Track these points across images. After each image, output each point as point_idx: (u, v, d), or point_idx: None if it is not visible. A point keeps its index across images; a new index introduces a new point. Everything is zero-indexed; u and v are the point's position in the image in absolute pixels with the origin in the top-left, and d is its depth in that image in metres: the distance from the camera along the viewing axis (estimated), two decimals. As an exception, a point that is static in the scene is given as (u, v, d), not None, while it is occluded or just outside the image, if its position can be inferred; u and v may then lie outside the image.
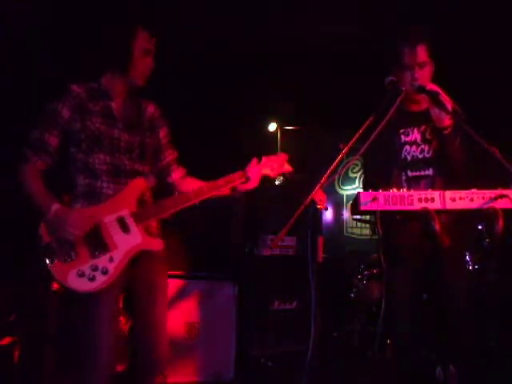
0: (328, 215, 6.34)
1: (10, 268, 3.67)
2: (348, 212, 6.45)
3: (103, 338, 2.19)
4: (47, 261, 2.16)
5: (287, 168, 2.64)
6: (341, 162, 2.29)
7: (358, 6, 4.30)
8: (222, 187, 2.46)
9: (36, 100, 2.53)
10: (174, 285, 3.78)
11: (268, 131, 5.94)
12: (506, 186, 1.99)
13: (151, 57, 2.38)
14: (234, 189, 2.51)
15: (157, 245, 2.35)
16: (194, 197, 2.40)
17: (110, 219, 2.26)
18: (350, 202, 5.90)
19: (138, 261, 2.31)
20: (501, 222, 1.91)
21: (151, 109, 2.54)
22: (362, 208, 1.98)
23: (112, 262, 2.21)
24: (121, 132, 2.38)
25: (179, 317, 3.74)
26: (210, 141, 4.89)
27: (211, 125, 5.06)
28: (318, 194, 2.08)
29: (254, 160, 2.54)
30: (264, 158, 2.59)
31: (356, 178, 6.37)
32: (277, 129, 6.00)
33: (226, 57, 4.75)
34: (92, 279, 2.16)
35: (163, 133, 2.56)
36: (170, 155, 2.58)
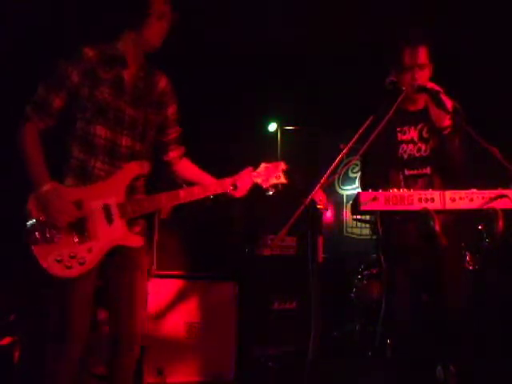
0: (328, 215, 6.33)
1: (9, 268, 3.67)
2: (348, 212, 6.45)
3: (75, 323, 2.19)
4: (32, 238, 2.14)
5: (282, 180, 2.51)
6: (341, 161, 2.29)
7: (358, 7, 4.29)
8: (211, 193, 2.42)
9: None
10: (174, 285, 3.79)
11: (268, 131, 5.94)
12: (506, 185, 1.99)
13: (166, 22, 2.31)
14: (222, 194, 2.47)
15: (136, 241, 2.30)
16: (184, 198, 2.37)
17: (96, 206, 2.21)
18: (350, 202, 5.91)
19: (117, 251, 2.27)
20: (501, 222, 1.91)
21: (163, 83, 2.46)
22: (362, 208, 1.98)
23: (90, 253, 2.17)
24: (127, 105, 2.31)
25: (179, 317, 3.74)
26: (210, 141, 4.89)
27: (211, 125, 5.06)
28: (318, 194, 2.09)
29: (248, 169, 2.48)
30: (262, 165, 2.52)
31: (356, 177, 6.36)
32: (277, 129, 6.00)
33: (226, 57, 4.75)
34: (69, 268, 2.13)
35: (172, 110, 2.50)
36: (173, 133, 2.53)
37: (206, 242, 4.03)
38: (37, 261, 2.14)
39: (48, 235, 2.14)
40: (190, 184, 2.47)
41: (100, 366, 3.04)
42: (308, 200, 2.08)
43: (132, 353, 2.31)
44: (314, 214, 2.09)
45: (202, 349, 3.75)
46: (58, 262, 2.13)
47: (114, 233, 2.22)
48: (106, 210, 2.22)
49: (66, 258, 2.14)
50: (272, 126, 5.97)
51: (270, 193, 2.50)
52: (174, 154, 2.54)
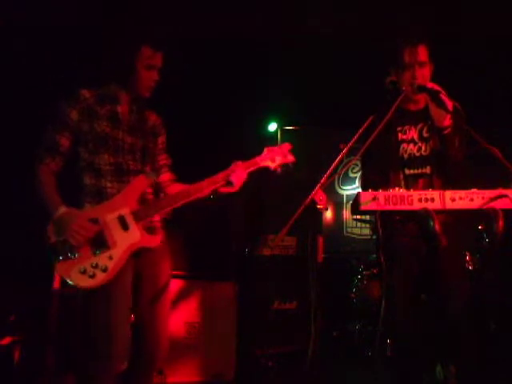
0: (328, 215, 6.34)
1: (9, 268, 3.67)
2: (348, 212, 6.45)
3: (117, 327, 2.29)
4: (53, 259, 2.27)
5: (290, 158, 2.67)
6: (341, 161, 2.29)
7: (357, 6, 4.30)
8: (204, 188, 2.52)
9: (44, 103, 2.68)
10: (174, 285, 3.78)
11: (268, 131, 5.95)
12: (506, 185, 1.99)
13: (155, 71, 2.47)
14: (215, 191, 2.57)
15: (155, 241, 2.45)
16: (183, 198, 2.49)
17: (111, 218, 2.36)
18: (350, 202, 5.91)
19: (142, 255, 2.42)
20: (501, 222, 1.91)
21: (153, 117, 2.66)
22: (362, 208, 1.98)
23: (111, 260, 2.30)
24: (125, 134, 2.50)
25: (179, 317, 3.74)
26: (210, 141, 4.89)
27: (211, 125, 5.07)
28: (318, 194, 2.08)
29: (237, 163, 2.57)
30: (266, 150, 2.65)
31: (356, 177, 6.36)
32: (277, 129, 6.00)
33: (227, 57, 4.75)
34: (92, 276, 2.26)
35: (162, 139, 2.68)
36: (163, 160, 2.69)
37: (206, 242, 4.03)
38: (63, 277, 2.29)
39: (67, 253, 2.28)
40: None
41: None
42: (308, 200, 2.08)
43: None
44: (314, 213, 2.09)
45: (201, 349, 3.75)
46: (82, 273, 2.26)
47: (131, 237, 2.37)
48: (121, 219, 2.37)
49: (89, 268, 2.27)
50: (272, 126, 5.98)
51: (279, 171, 2.63)
52: (165, 177, 2.67)
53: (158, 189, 2.65)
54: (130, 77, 2.46)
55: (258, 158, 2.63)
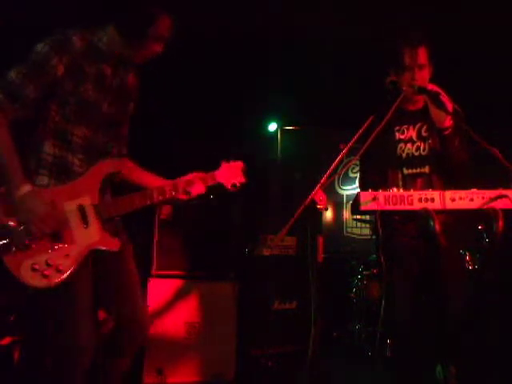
0: (328, 215, 6.34)
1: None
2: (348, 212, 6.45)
3: (83, 331, 2.09)
4: (2, 248, 1.95)
5: (241, 179, 2.50)
6: (341, 161, 2.29)
7: (358, 7, 4.30)
8: (166, 193, 2.30)
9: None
10: (174, 285, 3.78)
11: (268, 131, 5.95)
12: (506, 185, 1.99)
13: (162, 44, 2.23)
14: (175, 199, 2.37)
15: (114, 245, 2.16)
16: (157, 197, 2.27)
17: (71, 207, 2.06)
18: (350, 202, 5.90)
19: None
20: (501, 222, 1.91)
21: (131, 78, 2.34)
22: (362, 208, 1.98)
23: (67, 259, 2.02)
24: (108, 104, 2.20)
25: (179, 317, 3.74)
26: (210, 141, 4.89)
27: (211, 125, 5.07)
28: (318, 194, 2.08)
29: (195, 174, 2.41)
30: (223, 165, 2.49)
31: (356, 177, 6.35)
32: (277, 129, 6.01)
33: (227, 57, 4.75)
34: (46, 276, 1.97)
35: (132, 106, 2.38)
36: (127, 129, 2.41)
37: (206, 242, 4.03)
38: (10, 271, 1.96)
39: (21, 242, 1.96)
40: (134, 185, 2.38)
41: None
42: (308, 200, 2.08)
43: (138, 339, 2.30)
44: (314, 213, 2.09)
45: (201, 349, 3.75)
46: (34, 270, 1.96)
47: (91, 236, 2.09)
48: (82, 211, 2.08)
49: (43, 266, 1.97)
50: (272, 126, 5.98)
51: (230, 189, 2.49)
52: (125, 151, 2.40)
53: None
54: (135, 38, 2.15)
55: (216, 173, 2.47)
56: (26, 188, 1.96)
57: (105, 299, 2.30)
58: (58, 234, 2.03)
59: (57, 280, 2.00)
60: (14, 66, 2.02)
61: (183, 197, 2.38)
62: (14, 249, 1.95)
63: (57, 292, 2.04)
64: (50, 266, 1.98)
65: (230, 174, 2.49)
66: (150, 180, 2.39)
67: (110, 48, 2.18)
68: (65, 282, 2.03)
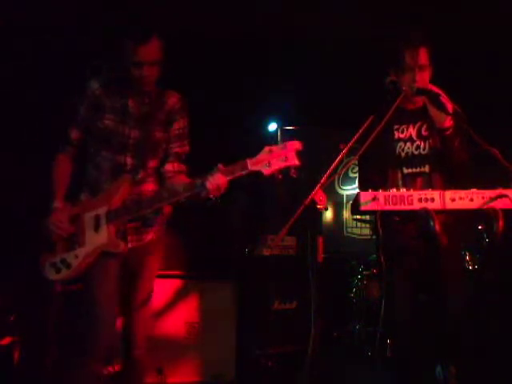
0: (328, 215, 6.34)
1: (9, 268, 3.67)
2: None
3: (103, 324, 2.32)
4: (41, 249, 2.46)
5: (291, 162, 2.15)
6: (341, 162, 2.29)
7: (358, 6, 4.30)
8: (180, 195, 2.34)
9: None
10: (174, 285, 3.79)
11: (268, 131, 5.94)
12: (506, 185, 1.99)
13: (146, 67, 2.35)
14: (196, 195, 2.35)
15: (117, 247, 2.40)
16: (157, 201, 2.38)
17: (89, 216, 2.43)
18: (350, 202, 5.90)
19: (132, 254, 2.47)
20: (501, 222, 1.91)
21: (172, 101, 2.57)
22: (362, 208, 1.98)
23: (76, 259, 2.39)
24: (131, 129, 2.48)
25: (179, 317, 3.74)
26: (209, 141, 4.89)
27: (211, 125, 5.06)
28: (318, 194, 2.08)
29: (219, 166, 2.27)
30: (265, 149, 2.20)
31: (356, 177, 6.35)
32: (277, 129, 6.00)
33: (227, 56, 4.75)
34: (58, 271, 2.41)
35: (178, 125, 2.56)
36: (175, 147, 2.56)
37: (206, 242, 4.03)
38: (39, 267, 2.45)
39: (47, 246, 2.44)
40: None
41: (103, 366, 3.04)
42: (308, 200, 2.08)
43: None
44: (314, 213, 2.09)
45: (201, 349, 3.75)
46: (51, 266, 2.43)
47: (98, 239, 2.39)
48: (96, 219, 2.41)
49: (58, 263, 2.41)
50: (272, 126, 5.97)
51: (278, 178, 2.19)
52: (168, 167, 2.55)
53: (161, 178, 2.57)
54: (127, 74, 2.41)
55: (249, 161, 2.20)
56: (57, 203, 2.46)
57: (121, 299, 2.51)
58: (75, 239, 2.41)
59: (65, 275, 2.39)
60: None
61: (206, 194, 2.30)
62: (44, 250, 2.45)
63: (80, 282, 2.44)
64: (63, 263, 2.40)
65: (277, 157, 2.16)
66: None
67: (128, 83, 2.46)
68: (87, 278, 2.38)
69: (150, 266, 2.56)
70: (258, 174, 2.19)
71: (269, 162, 2.16)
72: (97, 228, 2.40)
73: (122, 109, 2.47)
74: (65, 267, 2.39)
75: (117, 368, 2.57)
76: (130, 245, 2.47)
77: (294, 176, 2.19)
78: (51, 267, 2.41)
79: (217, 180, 2.22)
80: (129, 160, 2.48)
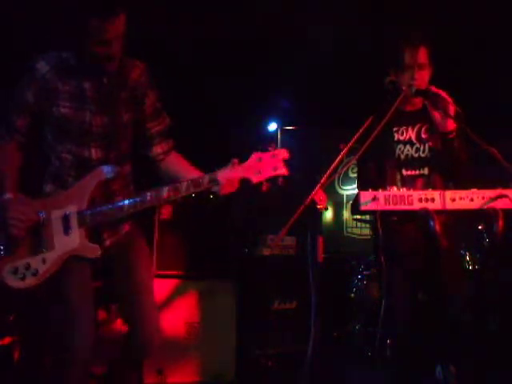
0: (328, 215, 6.34)
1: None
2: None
3: (77, 318, 2.14)
4: None
5: (280, 171, 2.12)
6: (341, 162, 2.29)
7: (357, 6, 4.29)
8: (183, 192, 2.17)
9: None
10: (173, 285, 3.78)
11: (268, 131, 5.95)
12: (506, 185, 1.99)
13: (109, 45, 2.05)
14: (208, 191, 2.20)
15: (92, 252, 2.18)
16: (153, 200, 2.18)
17: (56, 216, 2.17)
18: (350, 202, 5.90)
19: (112, 250, 2.27)
20: (501, 222, 1.91)
21: (135, 74, 2.27)
22: (362, 208, 1.98)
23: (44, 264, 2.13)
24: (93, 115, 2.19)
25: (179, 317, 3.74)
26: (209, 141, 4.89)
27: (211, 125, 5.06)
28: (318, 194, 2.08)
29: (233, 161, 2.16)
30: (253, 156, 2.16)
31: (356, 177, 6.36)
32: (277, 129, 6.00)
33: (227, 57, 4.75)
34: (22, 278, 2.11)
35: (149, 101, 2.30)
36: (156, 126, 2.35)
37: (206, 242, 4.03)
38: None
39: (5, 249, 2.13)
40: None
41: (99, 366, 3.04)
42: (308, 200, 2.08)
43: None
44: (314, 213, 2.09)
45: (201, 349, 3.75)
46: (13, 273, 2.11)
47: (69, 243, 2.16)
48: (65, 219, 2.16)
49: (21, 269, 2.12)
50: (272, 126, 5.98)
51: (264, 188, 2.16)
52: (158, 149, 2.37)
53: (151, 164, 2.39)
54: (85, 50, 2.08)
55: (240, 167, 2.16)
56: (10, 194, 2.13)
57: (117, 299, 2.41)
58: (39, 242, 2.14)
59: (32, 282, 2.11)
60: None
61: (217, 190, 2.17)
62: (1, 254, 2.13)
63: (50, 288, 2.16)
64: (28, 270, 2.11)
65: (265, 165, 2.12)
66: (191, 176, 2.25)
67: (80, 62, 2.17)
68: (57, 278, 2.14)
69: (139, 256, 2.35)
70: (246, 180, 2.15)
71: (259, 171, 2.13)
72: (67, 230, 2.15)
73: (78, 93, 2.16)
74: (30, 274, 2.10)
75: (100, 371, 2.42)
76: (107, 243, 2.27)
77: (282, 185, 2.18)
78: (13, 273, 2.10)
79: (230, 176, 2.14)
80: (94, 152, 2.21)
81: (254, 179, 2.13)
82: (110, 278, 2.35)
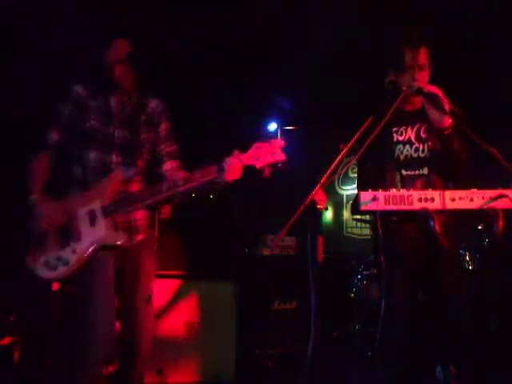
0: (328, 215, 6.34)
1: (9, 268, 3.67)
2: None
3: (102, 327, 2.32)
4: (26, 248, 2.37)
5: (278, 157, 2.34)
6: (341, 161, 2.29)
7: (357, 6, 4.30)
8: (197, 181, 2.38)
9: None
10: (174, 285, 3.78)
11: (268, 131, 5.95)
12: (506, 185, 1.98)
13: (126, 65, 2.48)
14: (213, 181, 2.39)
15: (122, 239, 2.39)
16: (167, 190, 2.38)
17: (82, 211, 2.38)
18: (350, 202, 5.90)
19: (123, 251, 2.44)
20: (501, 222, 1.91)
21: (153, 104, 2.63)
22: (362, 208, 1.98)
23: (74, 254, 2.33)
24: (116, 128, 2.52)
25: (179, 317, 3.74)
26: (209, 141, 4.89)
27: (211, 125, 5.06)
28: (318, 194, 2.08)
29: (235, 151, 2.39)
30: (254, 145, 2.39)
31: (356, 177, 6.36)
32: (277, 129, 6.00)
33: (227, 57, 4.75)
34: (54, 269, 2.32)
35: (163, 127, 2.64)
36: (166, 148, 2.64)
37: (206, 242, 4.03)
38: (28, 267, 2.36)
39: (35, 243, 2.36)
40: None
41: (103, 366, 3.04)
42: (308, 200, 2.08)
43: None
44: (314, 213, 2.09)
45: (201, 349, 3.75)
46: (45, 264, 2.34)
47: (96, 233, 2.36)
48: (91, 213, 2.38)
49: (52, 261, 2.33)
50: (272, 126, 5.98)
51: (267, 173, 2.37)
52: (167, 166, 2.62)
53: (162, 178, 2.58)
54: (109, 72, 2.49)
55: (242, 156, 2.39)
56: (37, 195, 2.41)
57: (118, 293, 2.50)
58: (68, 235, 2.36)
59: (64, 272, 2.32)
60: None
61: (223, 177, 2.36)
62: (31, 248, 2.36)
63: (77, 283, 2.37)
64: (60, 260, 2.33)
65: (265, 153, 2.35)
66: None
67: (110, 83, 2.52)
68: (83, 278, 2.34)
69: (145, 266, 2.55)
70: (251, 167, 2.37)
71: (260, 157, 2.36)
72: (93, 222, 2.36)
73: (105, 109, 2.51)
74: (62, 264, 2.32)
75: (112, 369, 2.50)
76: (135, 238, 2.50)
77: (283, 169, 2.38)
78: (45, 265, 2.33)
79: (234, 163, 2.35)
80: (115, 158, 2.50)
81: (257, 165, 2.35)
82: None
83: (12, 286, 3.53)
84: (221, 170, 2.36)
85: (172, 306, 3.74)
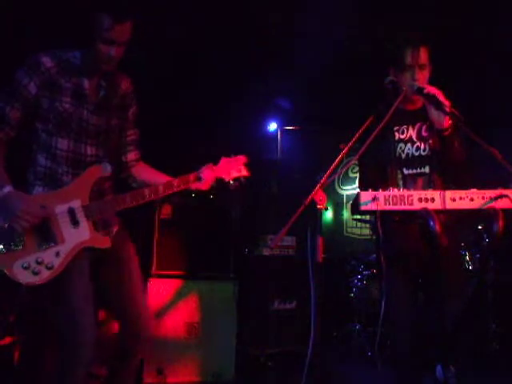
0: (328, 215, 6.34)
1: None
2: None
3: (81, 313, 2.18)
4: None
5: (243, 173, 2.57)
6: (341, 161, 2.28)
7: (357, 6, 4.30)
8: (176, 187, 2.42)
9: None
10: (174, 285, 3.78)
11: (268, 131, 5.95)
12: (506, 185, 1.98)
13: (115, 46, 2.20)
14: (188, 189, 2.47)
15: (104, 242, 2.30)
16: (149, 195, 2.36)
17: (61, 210, 2.22)
18: (350, 202, 5.91)
19: (105, 254, 2.33)
20: (501, 222, 1.90)
21: (125, 85, 2.46)
22: (362, 208, 1.98)
23: (58, 257, 2.16)
24: (90, 114, 2.31)
25: (179, 317, 3.74)
26: (210, 141, 4.90)
27: (211, 125, 5.07)
28: (318, 194, 2.08)
29: (209, 164, 2.52)
30: (222, 160, 2.56)
31: (356, 177, 6.36)
32: (277, 129, 6.01)
33: (227, 57, 4.76)
34: (36, 273, 2.12)
35: (132, 111, 2.51)
36: (132, 135, 2.55)
37: (206, 242, 4.03)
38: (2, 270, 2.10)
39: (10, 242, 2.12)
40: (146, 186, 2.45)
41: (99, 366, 3.04)
42: (308, 200, 2.08)
43: (142, 339, 2.38)
44: (314, 213, 2.09)
45: (201, 349, 3.75)
46: (25, 268, 2.11)
47: (80, 235, 2.23)
48: (71, 213, 2.23)
49: (33, 264, 2.12)
50: (272, 126, 5.98)
51: (232, 185, 2.57)
52: (132, 156, 2.57)
53: (123, 168, 2.55)
54: (90, 48, 2.21)
55: (215, 168, 2.53)
56: (8, 188, 2.14)
57: (107, 299, 2.44)
58: (47, 236, 2.18)
59: (48, 276, 2.14)
60: None
61: (196, 185, 2.45)
62: (3, 249, 2.12)
63: (53, 288, 2.17)
64: (40, 264, 2.13)
65: (232, 168, 2.54)
66: (160, 180, 2.48)
67: (84, 62, 2.29)
68: (60, 278, 2.16)
69: (128, 253, 2.45)
70: (220, 179, 2.55)
71: (228, 171, 2.55)
72: (75, 223, 2.22)
73: (78, 91, 2.27)
74: (46, 268, 2.12)
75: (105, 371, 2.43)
76: (111, 236, 2.39)
77: (243, 183, 2.60)
78: (24, 269, 2.10)
79: (208, 174, 2.48)
80: (89, 149, 2.32)
81: (226, 178, 2.55)
82: (101, 270, 2.38)
83: (12, 286, 3.52)
84: (198, 179, 2.45)
85: (172, 306, 3.74)
